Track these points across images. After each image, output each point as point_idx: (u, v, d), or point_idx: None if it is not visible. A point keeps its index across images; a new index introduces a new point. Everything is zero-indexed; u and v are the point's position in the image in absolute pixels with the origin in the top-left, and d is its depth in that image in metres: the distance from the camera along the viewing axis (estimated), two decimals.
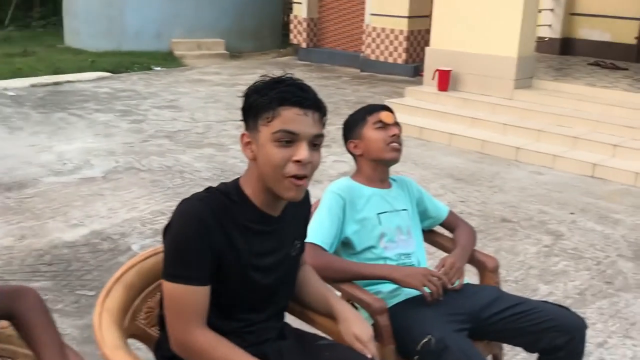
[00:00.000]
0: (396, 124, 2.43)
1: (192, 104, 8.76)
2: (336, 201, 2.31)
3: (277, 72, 1.73)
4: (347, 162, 5.81)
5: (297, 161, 1.61)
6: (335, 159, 6.08)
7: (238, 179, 1.76)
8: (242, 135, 1.71)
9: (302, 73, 11.54)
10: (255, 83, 1.69)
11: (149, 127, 7.39)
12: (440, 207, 2.61)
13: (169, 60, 12.35)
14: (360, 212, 2.33)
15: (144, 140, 6.86)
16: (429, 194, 2.62)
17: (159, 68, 11.61)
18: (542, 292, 3.79)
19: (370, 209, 2.35)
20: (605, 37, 10.44)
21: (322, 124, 1.68)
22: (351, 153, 2.48)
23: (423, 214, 2.56)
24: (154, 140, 6.88)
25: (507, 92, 7.72)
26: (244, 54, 13.57)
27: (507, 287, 3.78)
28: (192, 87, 9.93)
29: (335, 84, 10.59)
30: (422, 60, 9.17)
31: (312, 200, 2.00)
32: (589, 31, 10.63)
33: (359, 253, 2.32)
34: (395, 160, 2.41)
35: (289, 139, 1.61)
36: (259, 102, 1.64)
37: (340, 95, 9.62)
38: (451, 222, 2.60)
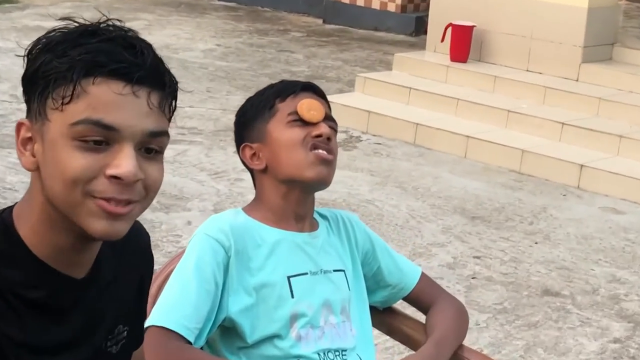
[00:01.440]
0: (328, 118, 2.41)
1: (17, 69, 8.64)
2: (212, 253, 2.29)
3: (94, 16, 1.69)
4: None
5: (114, 177, 1.58)
6: None
7: (11, 207, 1.72)
8: (19, 125, 1.67)
9: (221, 22, 11.57)
10: (48, 33, 1.66)
11: None
12: (406, 269, 2.61)
13: None
14: (256, 273, 2.33)
15: None
16: (389, 246, 2.61)
17: None
18: None
19: (275, 268, 2.35)
20: None
21: (168, 116, 1.66)
22: (247, 167, 2.48)
23: (375, 280, 2.56)
24: None
25: (569, 69, 7.82)
26: None
27: None
28: (23, 39, 9.86)
29: (278, 43, 10.63)
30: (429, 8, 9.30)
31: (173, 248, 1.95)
32: None
33: (252, 347, 2.31)
34: (323, 182, 2.40)
35: (100, 137, 1.58)
36: (51, 69, 1.61)
37: (285, 63, 9.65)
38: (424, 295, 2.59)
